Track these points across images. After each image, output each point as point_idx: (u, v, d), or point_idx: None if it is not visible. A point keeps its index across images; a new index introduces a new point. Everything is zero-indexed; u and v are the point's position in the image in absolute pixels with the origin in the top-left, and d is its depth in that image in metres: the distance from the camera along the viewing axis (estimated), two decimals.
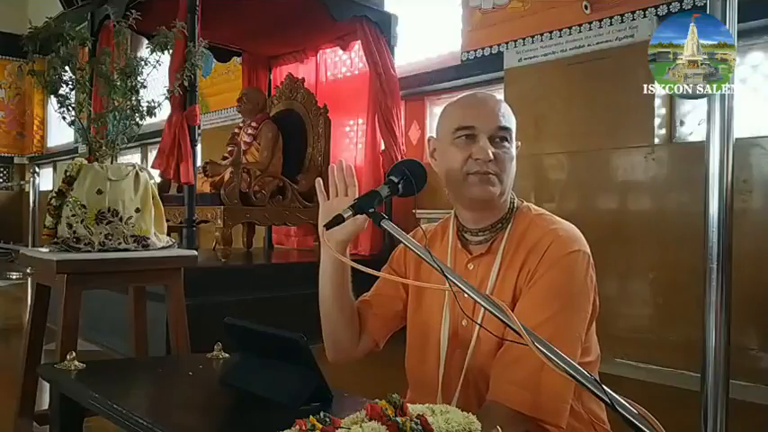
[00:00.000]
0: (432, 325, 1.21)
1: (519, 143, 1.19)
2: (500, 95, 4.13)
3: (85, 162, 1.87)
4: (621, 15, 3.50)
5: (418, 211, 3.35)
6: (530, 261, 1.11)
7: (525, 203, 1.22)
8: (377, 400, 0.80)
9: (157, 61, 1.98)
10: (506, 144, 1.13)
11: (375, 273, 0.99)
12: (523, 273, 1.11)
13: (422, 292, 1.26)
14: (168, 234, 2.12)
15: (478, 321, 1.09)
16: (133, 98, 1.94)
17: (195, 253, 2.09)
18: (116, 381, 1.27)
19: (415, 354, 1.25)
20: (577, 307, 1.09)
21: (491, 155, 1.10)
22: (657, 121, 3.40)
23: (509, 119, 1.15)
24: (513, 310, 1.07)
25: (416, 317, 1.26)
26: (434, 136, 1.23)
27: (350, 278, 1.22)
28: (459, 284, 0.90)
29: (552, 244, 1.10)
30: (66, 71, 1.91)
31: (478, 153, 1.10)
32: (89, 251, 1.82)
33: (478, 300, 0.88)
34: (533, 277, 1.09)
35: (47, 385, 2.01)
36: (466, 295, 0.98)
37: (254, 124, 4.67)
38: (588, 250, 1.12)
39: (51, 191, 1.88)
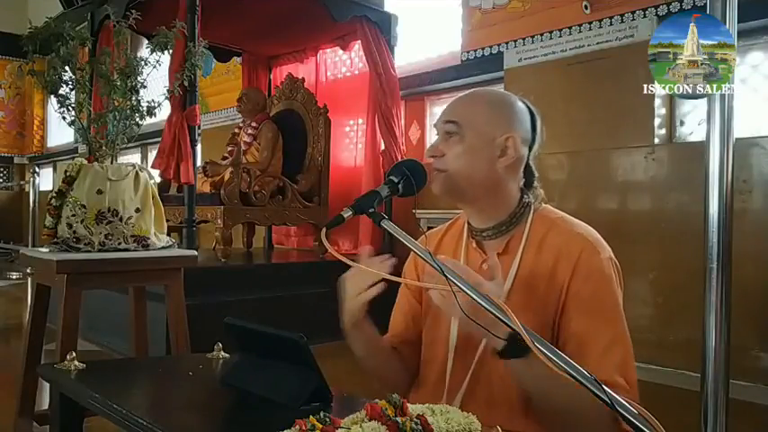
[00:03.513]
0: (440, 328, 1.20)
1: (512, 135, 1.12)
2: None
3: (85, 162, 1.87)
4: (621, 15, 3.51)
5: (418, 211, 3.36)
6: (560, 269, 1.08)
7: (544, 205, 1.20)
8: (377, 400, 0.80)
9: (157, 61, 1.98)
10: (454, 138, 1.13)
11: (375, 273, 0.99)
12: (555, 282, 1.08)
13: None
14: (168, 234, 2.12)
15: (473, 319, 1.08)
16: (133, 98, 1.94)
17: (195, 253, 2.09)
18: (116, 381, 1.27)
19: (426, 357, 1.25)
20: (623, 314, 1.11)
21: (434, 152, 1.15)
22: (657, 121, 3.40)
23: (462, 113, 1.14)
24: (558, 321, 1.08)
25: (427, 321, 1.25)
26: None
27: (378, 342, 1.23)
28: (461, 285, 0.90)
29: (584, 252, 1.08)
30: (66, 71, 1.91)
31: (427, 151, 1.17)
32: (89, 251, 1.82)
33: (480, 301, 0.88)
34: (570, 290, 1.07)
35: (47, 385, 2.01)
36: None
37: (254, 124, 4.67)
38: (612, 252, 1.12)
39: (51, 191, 1.88)
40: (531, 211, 1.17)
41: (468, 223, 1.22)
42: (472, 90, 1.25)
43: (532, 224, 1.15)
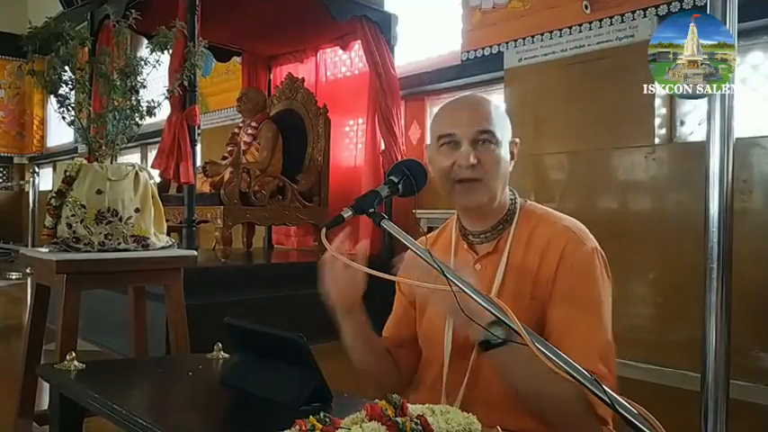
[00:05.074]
0: (436, 329, 1.20)
1: (517, 140, 1.21)
2: (500, 95, 4.13)
3: (85, 162, 1.87)
4: (621, 15, 3.50)
5: (418, 211, 3.35)
6: (546, 262, 1.11)
7: (529, 202, 1.23)
8: (377, 400, 0.80)
9: (157, 61, 1.98)
10: (491, 146, 1.13)
11: (375, 273, 0.99)
12: (542, 275, 1.11)
13: (427, 299, 1.26)
14: (168, 234, 2.12)
15: (477, 322, 1.09)
16: (133, 98, 1.94)
17: (195, 253, 2.09)
18: (116, 381, 1.27)
19: (423, 358, 1.26)
20: (609, 305, 1.12)
21: (472, 160, 1.11)
22: (658, 120, 3.40)
23: (493, 120, 1.15)
24: (546, 313, 1.10)
25: (422, 323, 1.26)
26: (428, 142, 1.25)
27: (370, 332, 1.21)
28: (460, 285, 0.90)
29: (568, 244, 1.10)
30: (65, 71, 1.91)
31: (461, 159, 1.12)
32: (89, 251, 1.82)
33: (479, 300, 0.88)
34: (556, 281, 1.09)
35: (46, 385, 2.01)
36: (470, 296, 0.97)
37: (253, 124, 4.67)
38: (597, 244, 1.14)
39: (51, 191, 1.88)
40: (518, 209, 1.20)
41: (462, 226, 1.23)
42: (471, 95, 1.26)
43: (519, 221, 1.18)
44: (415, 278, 1.16)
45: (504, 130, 1.16)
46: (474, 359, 1.13)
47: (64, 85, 1.91)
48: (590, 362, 1.00)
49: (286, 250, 5.47)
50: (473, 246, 1.21)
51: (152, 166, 3.44)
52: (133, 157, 8.15)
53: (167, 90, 2.17)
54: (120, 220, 1.86)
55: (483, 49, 4.27)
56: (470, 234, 1.21)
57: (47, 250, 1.87)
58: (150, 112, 1.97)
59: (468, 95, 1.27)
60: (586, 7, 3.66)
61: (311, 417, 0.76)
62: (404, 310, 1.31)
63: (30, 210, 7.03)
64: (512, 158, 1.19)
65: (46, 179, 9.92)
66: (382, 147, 4.62)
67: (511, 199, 1.20)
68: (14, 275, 7.06)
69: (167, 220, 2.20)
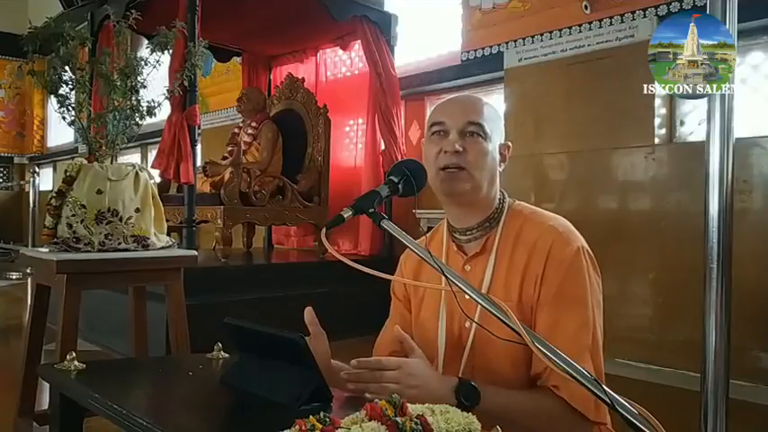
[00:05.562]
0: (430, 329, 1.21)
1: (509, 144, 1.22)
2: (500, 95, 4.13)
3: (85, 162, 1.87)
4: (621, 15, 3.50)
5: (418, 211, 3.35)
6: (534, 263, 1.12)
7: (517, 202, 1.24)
8: (377, 400, 0.80)
9: (157, 61, 1.98)
10: (479, 139, 1.15)
11: (375, 273, 0.99)
12: (529, 276, 1.12)
13: (421, 301, 1.27)
14: (168, 234, 2.12)
15: (475, 321, 1.10)
16: (133, 98, 1.94)
17: (195, 253, 2.09)
18: (116, 381, 1.27)
19: None
20: (599, 303, 1.13)
21: (458, 147, 1.13)
22: (658, 120, 3.40)
23: (484, 115, 1.17)
24: (535, 312, 1.11)
25: (416, 325, 1.27)
26: None
27: None
28: (460, 285, 0.90)
29: (554, 244, 1.11)
30: (65, 71, 1.91)
31: (447, 146, 1.14)
32: (89, 251, 1.82)
33: (479, 301, 0.88)
34: (543, 282, 1.10)
35: (47, 385, 2.01)
36: (466, 297, 0.98)
37: (253, 124, 4.67)
38: (585, 242, 1.15)
39: (51, 191, 1.88)
40: (506, 209, 1.21)
41: (451, 226, 1.24)
42: (467, 94, 1.28)
43: (506, 221, 1.19)
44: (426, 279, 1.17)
45: (495, 128, 1.18)
46: (466, 359, 1.14)
47: (64, 85, 1.91)
48: (578, 355, 1.02)
49: (286, 250, 5.48)
50: (462, 247, 1.22)
51: (152, 166, 3.44)
52: (133, 157, 8.14)
53: (167, 90, 2.17)
54: (121, 220, 1.86)
55: (483, 49, 4.27)
56: (458, 232, 1.22)
57: (47, 250, 1.87)
58: (150, 112, 1.97)
59: (464, 94, 1.29)
60: (586, 7, 3.66)
61: (311, 417, 0.76)
62: (401, 316, 1.31)
63: (30, 210, 7.01)
64: (502, 160, 1.20)
65: (46, 179, 9.92)
66: (382, 147, 4.62)
67: (499, 198, 1.21)
68: (14, 275, 7.06)
69: (167, 220, 2.20)
